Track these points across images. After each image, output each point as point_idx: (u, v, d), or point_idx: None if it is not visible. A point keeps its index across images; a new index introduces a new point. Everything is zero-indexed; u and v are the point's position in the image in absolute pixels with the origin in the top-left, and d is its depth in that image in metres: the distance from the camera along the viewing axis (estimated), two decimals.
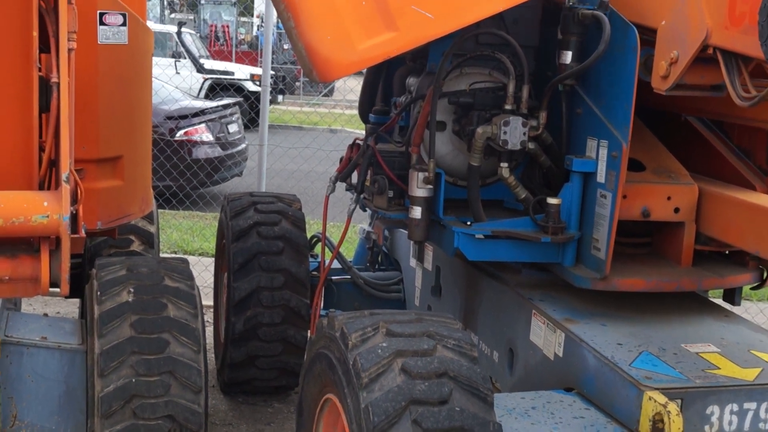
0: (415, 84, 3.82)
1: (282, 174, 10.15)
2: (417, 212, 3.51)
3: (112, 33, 3.69)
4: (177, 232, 8.90)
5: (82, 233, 2.97)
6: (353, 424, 2.70)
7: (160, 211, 7.10)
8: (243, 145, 11.77)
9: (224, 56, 24.66)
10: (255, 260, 4.65)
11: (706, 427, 2.92)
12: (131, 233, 4.87)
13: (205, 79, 17.90)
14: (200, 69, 18.11)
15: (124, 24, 3.70)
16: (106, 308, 3.25)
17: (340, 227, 6.20)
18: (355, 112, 5.02)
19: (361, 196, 3.90)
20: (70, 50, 2.90)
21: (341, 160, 4.17)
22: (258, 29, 27.96)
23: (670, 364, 3.04)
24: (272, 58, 8.20)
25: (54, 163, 3.01)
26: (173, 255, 8.02)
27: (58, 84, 2.88)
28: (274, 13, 7.19)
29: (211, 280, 6.09)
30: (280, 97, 20.75)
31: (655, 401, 2.80)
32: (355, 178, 3.98)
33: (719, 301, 3.77)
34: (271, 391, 5.14)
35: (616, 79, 3.18)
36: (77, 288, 4.20)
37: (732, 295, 3.69)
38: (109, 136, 3.84)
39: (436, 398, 2.60)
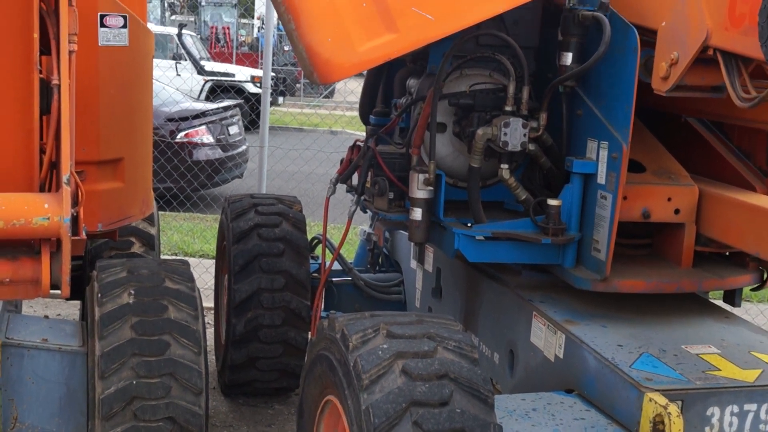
0: (415, 85, 3.82)
1: (282, 176, 10.15)
2: (417, 214, 3.52)
3: (112, 35, 3.69)
4: (178, 234, 8.91)
5: (83, 235, 2.97)
6: (354, 426, 2.70)
7: (160, 212, 7.11)
8: (243, 147, 11.77)
9: (225, 58, 24.67)
10: (255, 262, 4.65)
11: (707, 429, 2.92)
12: (132, 235, 4.87)
13: (206, 81, 17.90)
14: (201, 71, 18.11)
15: (124, 26, 3.70)
16: (107, 310, 3.26)
17: (341, 229, 6.20)
18: (356, 113, 5.02)
19: (362, 197, 3.90)
20: (70, 52, 2.91)
21: (342, 161, 4.17)
22: (259, 31, 27.97)
23: (671, 365, 3.04)
24: (273, 60, 8.22)
25: (55, 165, 3.01)
26: (174, 257, 8.02)
27: (59, 86, 2.88)
28: (275, 14, 7.19)
29: (212, 281, 6.09)
30: (280, 99, 20.76)
31: (656, 403, 2.80)
32: (355, 179, 3.98)
33: (719, 303, 3.77)
34: (271, 392, 5.14)
35: (616, 81, 3.19)
36: (78, 290, 4.20)
37: (732, 297, 3.69)
38: (110, 138, 3.84)
39: (437, 400, 2.60)
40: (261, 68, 8.86)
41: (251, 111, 15.62)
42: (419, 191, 3.50)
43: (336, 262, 4.78)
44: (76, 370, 3.37)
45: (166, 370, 3.17)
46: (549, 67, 3.54)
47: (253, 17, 29.31)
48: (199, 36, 24.46)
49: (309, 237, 4.99)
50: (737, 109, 2.84)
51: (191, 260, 7.04)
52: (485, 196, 3.61)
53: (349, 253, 6.86)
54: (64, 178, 2.79)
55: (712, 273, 3.44)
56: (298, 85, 23.38)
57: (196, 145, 10.82)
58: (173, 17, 31.19)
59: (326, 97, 22.92)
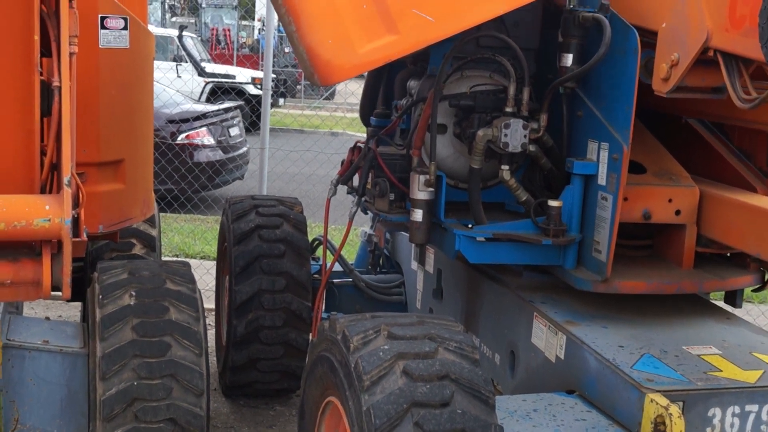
0: (416, 87, 3.82)
1: (283, 177, 10.15)
2: (418, 215, 3.52)
3: (113, 37, 3.69)
4: (178, 236, 8.91)
5: (84, 237, 2.97)
6: (355, 427, 2.70)
7: (161, 214, 7.11)
8: (244, 149, 11.77)
9: (225, 60, 24.68)
10: (256, 263, 4.66)
11: (708, 430, 2.92)
12: (133, 237, 4.87)
13: (207, 83, 17.90)
14: (201, 72, 18.12)
15: (125, 28, 3.70)
16: (108, 311, 3.26)
17: (342, 230, 6.20)
18: (356, 115, 5.02)
19: (363, 199, 3.90)
20: (71, 54, 2.91)
21: (342, 163, 4.17)
22: (259, 33, 27.99)
23: (672, 366, 3.04)
24: (273, 62, 8.21)
25: (55, 167, 3.01)
26: (175, 258, 8.02)
27: (60, 88, 2.88)
28: (276, 16, 7.20)
29: (213, 283, 6.09)
30: (281, 101, 20.76)
31: (657, 403, 2.80)
32: (356, 181, 3.98)
33: (720, 304, 3.77)
34: (272, 394, 5.14)
35: (616, 82, 3.19)
36: (79, 291, 4.20)
37: (733, 298, 3.69)
38: (111, 139, 3.84)
39: (438, 401, 2.60)
40: (262, 70, 8.85)
41: (252, 113, 15.63)
42: (420, 192, 3.50)
43: (337, 264, 4.78)
44: (77, 371, 3.37)
45: (167, 371, 3.18)
46: (549, 68, 3.54)
47: (253, 19, 29.32)
48: (199, 38, 24.47)
49: (310, 238, 4.99)
50: (738, 110, 2.84)
51: (192, 262, 7.03)
52: (486, 198, 3.61)
53: (350, 254, 6.86)
54: (65, 179, 2.79)
55: (713, 274, 3.44)
56: (298, 87, 23.38)
57: (196, 147, 10.83)
58: (174, 19, 31.20)
59: (327, 98, 22.92)
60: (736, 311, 3.78)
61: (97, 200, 3.72)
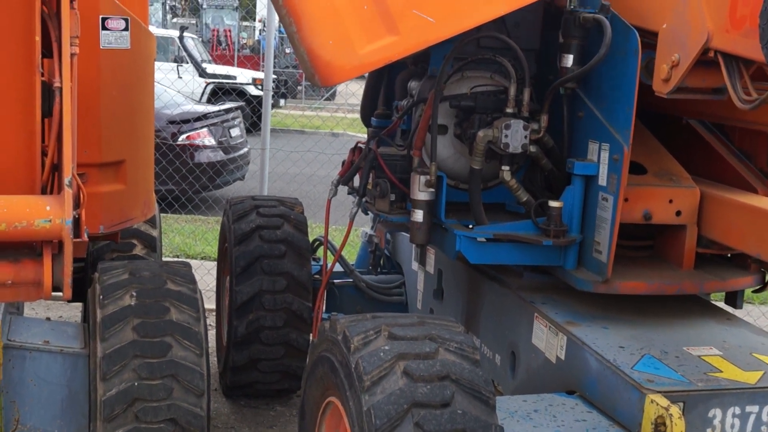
0: (416, 88, 3.82)
1: (284, 178, 10.15)
2: (419, 215, 3.52)
3: (114, 38, 3.69)
4: (179, 236, 8.91)
5: (85, 237, 2.97)
6: (355, 427, 2.70)
7: (162, 215, 7.11)
8: (245, 149, 11.78)
9: (226, 61, 24.68)
10: (257, 263, 4.66)
11: (708, 431, 2.92)
12: (134, 237, 4.87)
13: (207, 84, 17.91)
14: (202, 73, 18.12)
15: (126, 29, 3.70)
16: (109, 312, 3.26)
17: (342, 230, 6.21)
18: (357, 115, 5.02)
19: (363, 199, 3.90)
20: (72, 55, 2.91)
21: (343, 163, 4.17)
22: (260, 34, 27.98)
23: (672, 367, 3.04)
24: (274, 63, 8.22)
25: (56, 168, 3.01)
26: (175, 259, 8.02)
27: (61, 89, 2.88)
28: (276, 17, 7.19)
29: (214, 283, 6.09)
30: (282, 101, 20.76)
31: (658, 404, 2.80)
32: (357, 181, 3.98)
33: (721, 304, 3.77)
34: (273, 394, 5.15)
35: (617, 83, 3.19)
36: (80, 292, 4.20)
37: (734, 298, 3.69)
38: (112, 140, 3.84)
39: (438, 401, 2.61)
40: (262, 71, 8.86)
41: (253, 113, 15.65)
42: (420, 193, 3.50)
43: (337, 264, 4.78)
44: (77, 372, 3.37)
45: (167, 371, 3.18)
46: (550, 69, 3.54)
47: (254, 20, 29.32)
48: (200, 39, 24.47)
49: (310, 239, 4.99)
50: (738, 111, 2.84)
51: (193, 262, 7.03)
52: (486, 198, 3.61)
53: (351, 254, 6.86)
54: (66, 180, 2.79)
55: (713, 275, 3.44)
56: (299, 88, 23.37)
57: (197, 148, 10.83)
58: (175, 20, 31.20)
59: (327, 99, 22.92)
60: (737, 312, 3.78)
61: (98, 201, 3.72)
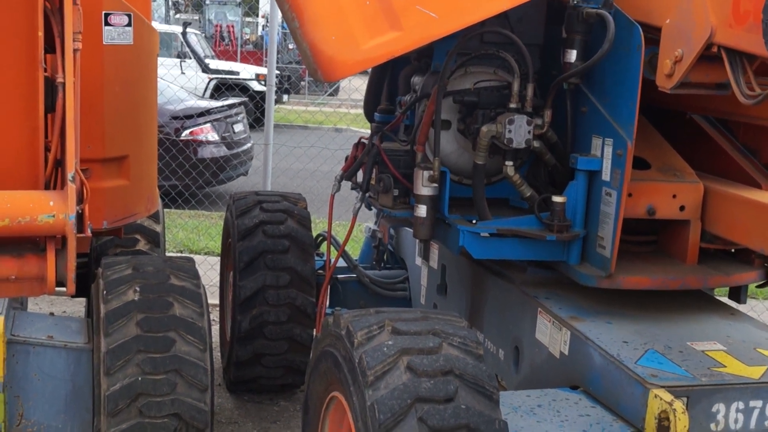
0: (420, 83, 3.82)
1: (287, 173, 10.16)
2: (422, 210, 3.52)
3: (117, 33, 3.69)
4: (183, 231, 8.92)
5: (88, 232, 2.97)
6: (359, 422, 2.70)
7: (165, 210, 7.11)
8: (248, 145, 11.78)
9: (229, 56, 24.65)
10: (261, 259, 4.66)
11: (712, 425, 2.92)
12: (137, 232, 4.88)
13: (210, 79, 17.90)
14: (205, 69, 18.11)
15: (129, 24, 3.70)
16: (112, 307, 3.26)
17: (346, 226, 6.20)
18: (360, 111, 5.02)
19: (367, 194, 3.90)
20: (75, 51, 2.91)
21: (346, 158, 4.17)
22: (263, 29, 27.99)
23: (676, 362, 3.04)
24: (277, 58, 8.22)
25: (60, 163, 3.01)
26: (179, 254, 8.03)
27: (64, 84, 2.88)
28: (279, 13, 7.18)
29: (217, 278, 6.10)
30: (285, 97, 20.76)
31: (661, 399, 2.80)
32: (360, 176, 3.98)
33: (725, 300, 3.77)
34: (276, 389, 5.15)
35: (620, 78, 3.18)
36: (83, 287, 4.21)
37: (738, 293, 3.68)
38: (115, 135, 3.85)
39: (442, 396, 2.61)
40: (265, 66, 8.85)
41: (256, 109, 15.60)
42: (424, 188, 3.50)
43: (341, 259, 4.78)
44: (81, 366, 3.37)
45: (171, 366, 3.18)
46: (553, 64, 3.54)
47: (257, 15, 29.32)
48: (203, 34, 24.47)
49: (314, 234, 4.99)
50: (742, 106, 2.84)
51: (196, 257, 7.01)
52: (490, 193, 3.61)
53: (354, 250, 6.86)
54: (69, 175, 2.80)
55: (717, 270, 3.43)
56: (302, 83, 23.37)
57: (201, 143, 10.83)
58: (178, 16, 31.17)
59: (331, 94, 22.90)
60: (741, 307, 3.78)
61: (102, 196, 3.73)
